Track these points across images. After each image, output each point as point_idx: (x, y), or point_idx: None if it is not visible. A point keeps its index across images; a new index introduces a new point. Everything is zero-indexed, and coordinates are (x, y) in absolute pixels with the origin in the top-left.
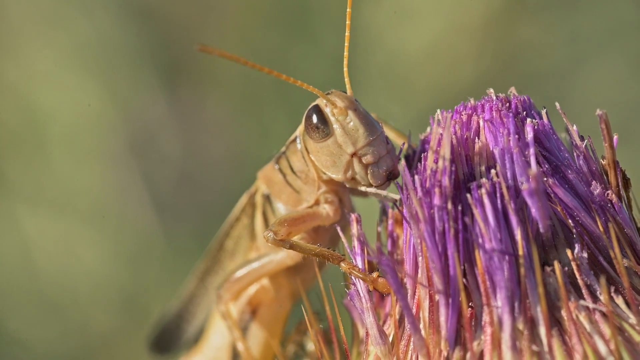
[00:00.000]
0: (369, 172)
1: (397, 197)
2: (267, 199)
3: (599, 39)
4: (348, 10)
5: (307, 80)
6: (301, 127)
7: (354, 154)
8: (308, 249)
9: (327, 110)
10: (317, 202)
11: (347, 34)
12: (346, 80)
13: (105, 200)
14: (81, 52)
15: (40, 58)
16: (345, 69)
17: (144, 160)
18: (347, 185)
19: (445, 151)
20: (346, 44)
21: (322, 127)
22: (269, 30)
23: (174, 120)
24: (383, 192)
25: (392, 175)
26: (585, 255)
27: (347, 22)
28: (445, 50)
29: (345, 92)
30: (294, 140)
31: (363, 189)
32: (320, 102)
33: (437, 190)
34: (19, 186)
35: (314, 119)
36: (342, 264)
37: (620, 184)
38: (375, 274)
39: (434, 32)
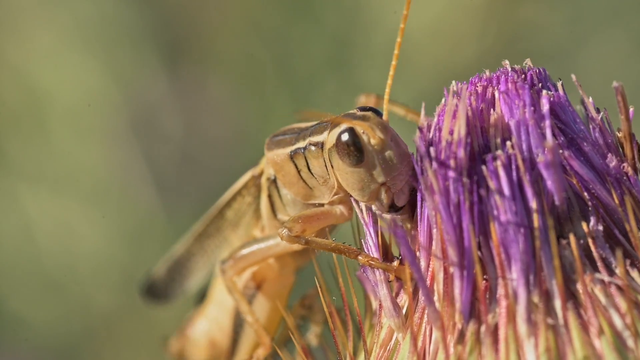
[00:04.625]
0: (394, 196)
1: (399, 222)
2: (274, 183)
3: (600, 17)
4: (398, 40)
5: (308, 58)
6: (327, 140)
7: (383, 183)
8: (324, 244)
9: (365, 138)
10: (330, 203)
11: (393, 63)
12: (385, 106)
13: (107, 179)
14: (82, 31)
15: (41, 36)
16: (386, 97)
17: (145, 140)
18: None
19: (461, 123)
20: (391, 72)
21: (356, 154)
22: (270, 9)
23: (175, 99)
24: (398, 218)
25: (413, 193)
26: (600, 228)
27: (395, 53)
28: (448, 29)
29: (381, 114)
30: (317, 145)
31: (378, 213)
32: (357, 127)
33: (452, 162)
34: (20, 165)
35: (350, 144)
36: (360, 257)
37: (636, 156)
38: (395, 263)
39: (436, 11)
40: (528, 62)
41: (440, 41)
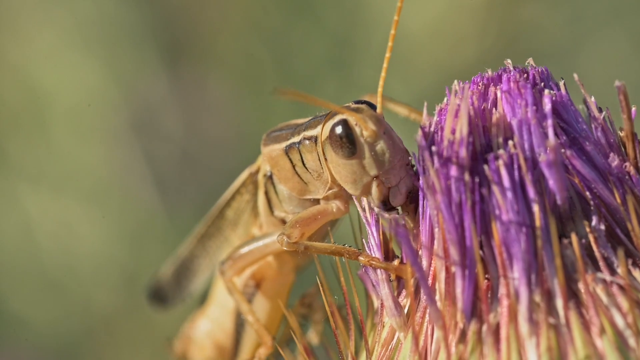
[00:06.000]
0: (390, 193)
1: (401, 221)
2: (270, 179)
3: (600, 17)
4: (389, 44)
5: (308, 58)
6: (321, 132)
7: (376, 177)
8: (323, 248)
9: (357, 130)
10: (325, 198)
11: (387, 55)
12: (379, 99)
13: (107, 179)
14: (83, 31)
15: (41, 36)
16: (379, 89)
17: (146, 139)
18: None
19: (463, 122)
20: (385, 64)
21: (349, 146)
22: (271, 9)
23: (175, 99)
24: (400, 217)
25: (411, 194)
26: (602, 227)
27: (389, 44)
28: (448, 29)
29: (375, 107)
30: (311, 139)
31: (376, 210)
32: (350, 118)
33: (454, 161)
34: (21, 165)
35: (343, 136)
36: (360, 258)
37: (638, 156)
38: (396, 262)
39: (437, 10)
40: (530, 61)
41: (440, 41)
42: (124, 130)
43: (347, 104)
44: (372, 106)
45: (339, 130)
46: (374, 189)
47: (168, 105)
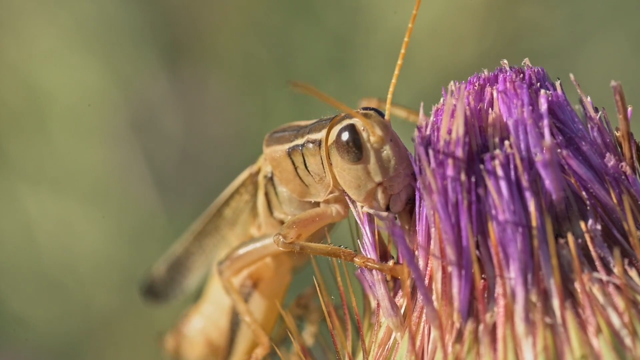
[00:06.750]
0: (391, 200)
1: (405, 227)
2: (271, 180)
3: (600, 16)
4: (405, 40)
5: (308, 58)
6: (326, 137)
7: (380, 183)
8: (319, 249)
9: (364, 135)
10: (326, 201)
11: (399, 62)
12: (387, 106)
13: (107, 179)
14: (83, 31)
15: (41, 36)
16: (389, 96)
17: (146, 139)
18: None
19: (459, 122)
20: (396, 72)
21: (355, 150)
22: (271, 9)
23: (175, 99)
24: (387, 215)
25: (409, 202)
26: (598, 227)
27: (401, 52)
28: (448, 28)
29: (383, 115)
30: (315, 142)
31: (372, 211)
32: (358, 123)
33: (450, 161)
34: (21, 165)
35: (349, 140)
36: (356, 259)
37: (634, 155)
38: (391, 262)
39: (436, 10)
40: (526, 61)
41: (440, 41)
42: (123, 130)
43: (355, 110)
44: (380, 114)
45: (346, 133)
46: (379, 196)
47: (168, 105)
